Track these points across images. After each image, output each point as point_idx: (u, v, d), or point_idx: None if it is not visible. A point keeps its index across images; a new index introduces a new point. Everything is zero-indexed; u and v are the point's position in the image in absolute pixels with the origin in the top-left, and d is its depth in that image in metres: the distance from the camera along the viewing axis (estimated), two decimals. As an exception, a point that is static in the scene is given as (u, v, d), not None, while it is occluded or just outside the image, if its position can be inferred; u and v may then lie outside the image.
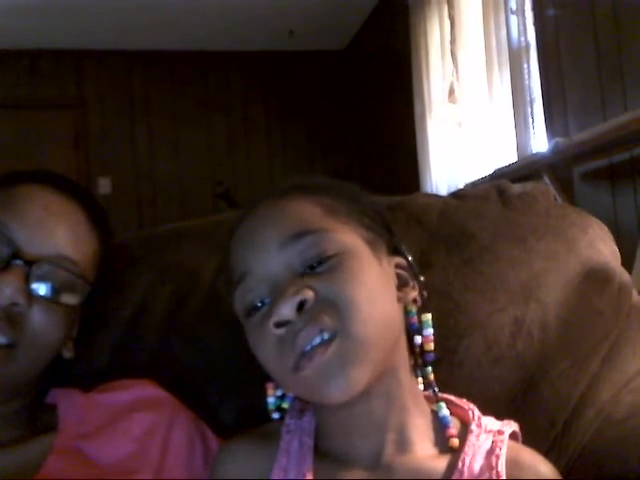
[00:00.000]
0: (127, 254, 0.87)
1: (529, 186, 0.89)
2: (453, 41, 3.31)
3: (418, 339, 0.63)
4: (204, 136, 5.18)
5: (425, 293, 0.64)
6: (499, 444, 0.57)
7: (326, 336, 0.54)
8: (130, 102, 5.13)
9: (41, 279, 0.65)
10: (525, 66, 2.69)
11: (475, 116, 3.06)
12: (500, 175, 2.59)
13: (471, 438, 0.58)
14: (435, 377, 0.63)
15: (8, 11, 4.23)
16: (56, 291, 0.66)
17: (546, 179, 2.44)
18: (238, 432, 0.65)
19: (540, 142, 2.65)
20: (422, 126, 3.65)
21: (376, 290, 0.57)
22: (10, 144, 4.69)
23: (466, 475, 0.55)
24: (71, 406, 0.71)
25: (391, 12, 4.34)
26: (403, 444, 0.58)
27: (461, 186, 3.16)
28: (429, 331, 0.63)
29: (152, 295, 0.84)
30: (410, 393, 0.60)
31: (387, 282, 0.60)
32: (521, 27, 2.70)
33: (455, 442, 0.58)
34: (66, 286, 0.67)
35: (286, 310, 0.54)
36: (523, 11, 2.69)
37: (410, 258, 0.64)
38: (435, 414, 0.62)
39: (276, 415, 0.64)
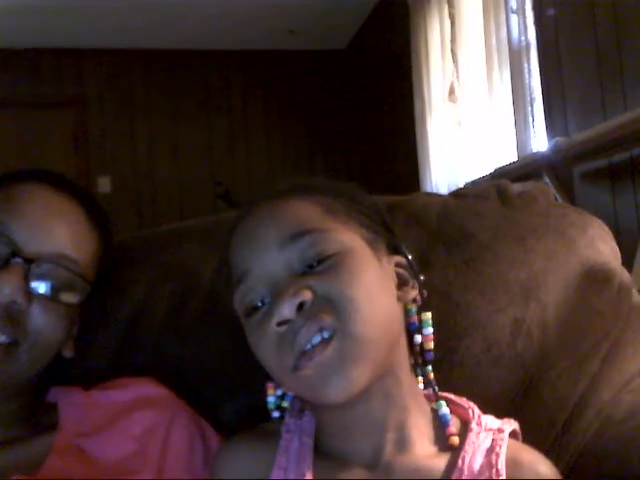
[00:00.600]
0: (127, 254, 0.87)
1: (529, 185, 0.89)
2: (453, 40, 3.31)
3: (418, 338, 0.63)
4: (204, 135, 5.18)
5: (425, 292, 0.64)
6: (499, 442, 0.57)
7: (326, 335, 0.54)
8: (130, 101, 5.13)
9: (40, 278, 0.65)
10: (525, 65, 2.69)
11: (475, 115, 3.06)
12: (500, 174, 2.59)
13: (471, 436, 0.58)
14: (435, 377, 0.63)
15: (8, 10, 4.23)
16: (56, 290, 0.66)
17: (546, 178, 2.43)
18: (238, 432, 0.65)
19: (540, 141, 2.65)
20: (422, 125, 3.64)
21: (376, 289, 0.57)
22: (10, 142, 4.68)
23: (466, 473, 0.55)
24: (71, 405, 0.71)
25: (391, 11, 4.33)
26: (403, 443, 0.58)
27: (461, 185, 3.15)
28: (429, 330, 0.63)
29: (152, 295, 0.83)
30: (410, 392, 0.60)
31: (387, 281, 0.60)
32: (521, 26, 2.70)
33: (455, 440, 0.58)
34: (66, 285, 0.67)
35: (286, 310, 0.54)
36: (523, 10, 2.69)
37: (410, 257, 0.64)
38: (435, 413, 0.61)
39: (276, 414, 0.64)
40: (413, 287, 0.63)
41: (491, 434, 0.58)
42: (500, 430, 0.59)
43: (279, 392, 0.64)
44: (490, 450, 0.57)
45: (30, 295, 0.64)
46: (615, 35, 2.23)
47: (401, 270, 0.63)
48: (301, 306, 0.55)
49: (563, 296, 0.77)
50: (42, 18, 4.42)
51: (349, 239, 0.59)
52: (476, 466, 0.56)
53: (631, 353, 0.78)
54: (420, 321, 0.63)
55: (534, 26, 2.68)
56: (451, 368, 0.73)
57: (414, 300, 0.63)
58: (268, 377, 0.61)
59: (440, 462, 0.57)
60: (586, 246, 0.82)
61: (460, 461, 0.56)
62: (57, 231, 0.67)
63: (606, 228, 0.88)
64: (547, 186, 2.24)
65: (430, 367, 0.63)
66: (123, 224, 4.25)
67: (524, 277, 0.78)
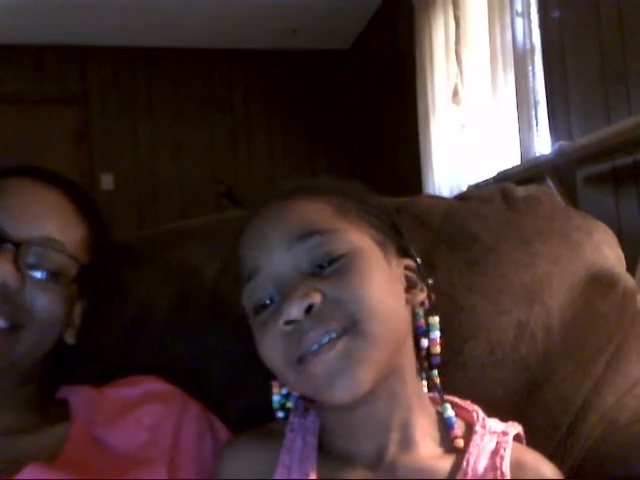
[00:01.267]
0: (129, 254, 0.87)
1: (533, 189, 0.89)
2: (458, 42, 3.31)
3: (425, 342, 0.63)
4: (206, 134, 5.18)
5: (433, 296, 0.64)
6: (503, 445, 0.57)
7: (334, 335, 0.54)
8: (133, 99, 5.13)
9: (31, 260, 0.67)
10: (530, 68, 2.69)
11: (479, 118, 3.06)
12: (503, 177, 2.59)
13: (475, 439, 0.58)
14: (439, 379, 0.63)
15: (12, 7, 4.23)
16: (47, 270, 0.67)
17: (549, 182, 2.43)
18: (241, 431, 0.65)
19: (544, 145, 2.64)
20: (425, 127, 3.64)
21: (385, 292, 0.57)
22: (13, 139, 4.68)
23: (470, 475, 0.55)
24: (83, 398, 0.72)
25: (396, 12, 4.33)
26: (407, 443, 0.58)
27: (464, 188, 3.15)
28: (436, 334, 0.63)
29: (154, 295, 0.83)
30: (415, 394, 0.60)
31: (395, 284, 0.60)
32: (526, 29, 2.70)
33: (460, 443, 0.58)
34: (57, 265, 0.68)
35: (294, 311, 0.54)
36: (528, 13, 2.69)
37: (419, 260, 0.64)
38: (439, 415, 0.62)
39: (280, 414, 0.64)
40: (421, 290, 0.63)
41: (495, 437, 0.58)
42: (504, 433, 0.59)
43: (284, 391, 0.64)
44: (494, 452, 0.57)
45: (23, 277, 0.66)
46: (620, 39, 2.23)
47: (409, 273, 0.63)
48: (309, 308, 0.55)
49: (567, 300, 0.77)
50: (45, 15, 4.42)
51: (359, 239, 0.58)
52: (480, 468, 0.56)
53: (635, 358, 0.78)
54: (427, 325, 0.63)
55: (539, 29, 2.67)
56: (455, 370, 0.73)
57: (422, 303, 0.63)
58: (272, 376, 0.61)
59: (444, 463, 0.57)
60: (591, 250, 0.82)
61: (464, 463, 0.56)
62: (43, 217, 0.69)
63: (611, 233, 0.88)
64: (551, 189, 2.23)
65: (436, 371, 0.63)
66: (125, 222, 4.25)
67: (528, 280, 0.78)
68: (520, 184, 0.94)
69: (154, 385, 0.74)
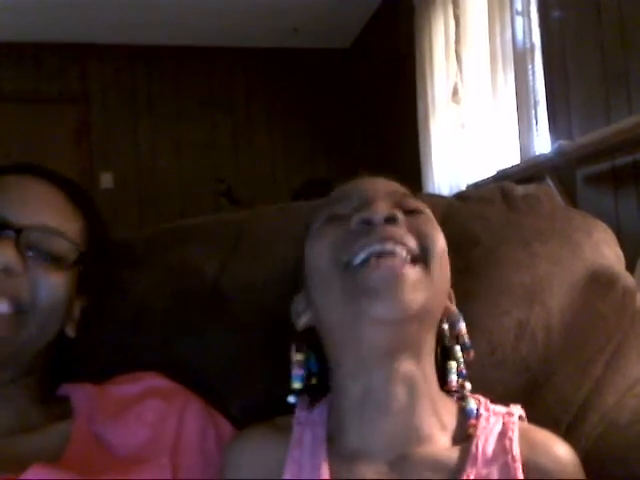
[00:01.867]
0: (130, 253, 0.87)
1: (533, 188, 0.89)
2: (458, 41, 3.30)
3: (462, 326, 0.65)
4: (206, 133, 5.18)
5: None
6: (511, 426, 0.58)
7: (404, 252, 0.57)
8: (133, 98, 5.12)
9: (32, 245, 0.68)
10: (530, 68, 2.69)
11: (478, 117, 3.06)
12: (503, 177, 2.59)
13: (481, 422, 0.59)
14: (438, 376, 0.64)
15: (11, 4, 4.22)
16: (47, 255, 0.69)
17: (549, 181, 2.43)
18: (245, 426, 0.64)
19: (543, 144, 2.64)
20: (425, 126, 3.64)
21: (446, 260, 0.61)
22: (13, 138, 4.68)
23: (480, 460, 0.55)
24: (84, 395, 0.72)
25: (396, 11, 4.33)
26: (420, 435, 0.58)
27: (463, 187, 3.15)
28: (462, 325, 0.65)
29: (155, 294, 0.83)
30: (431, 384, 0.61)
31: None
32: (526, 28, 2.70)
33: (472, 430, 0.59)
34: (57, 250, 0.70)
35: (378, 215, 0.58)
36: (528, 12, 2.69)
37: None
38: (452, 405, 0.62)
39: (292, 399, 0.63)
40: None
41: (501, 418, 0.59)
42: (509, 414, 0.60)
43: (300, 372, 0.63)
44: (502, 435, 0.57)
45: (25, 262, 0.67)
46: (620, 38, 2.23)
47: None
48: (391, 220, 0.58)
49: (568, 300, 0.77)
50: (45, 13, 4.42)
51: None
52: (489, 451, 0.56)
53: (635, 357, 0.78)
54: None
55: (539, 28, 2.67)
56: (455, 370, 0.73)
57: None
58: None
59: (455, 452, 0.57)
60: (591, 250, 0.82)
61: (474, 448, 0.56)
62: (44, 209, 0.71)
63: (610, 232, 0.88)
64: (551, 189, 2.23)
65: (454, 363, 0.65)
66: (125, 220, 4.24)
67: (528, 281, 0.78)
68: (520, 183, 0.94)
69: (155, 381, 0.74)
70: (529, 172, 2.54)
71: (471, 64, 3.15)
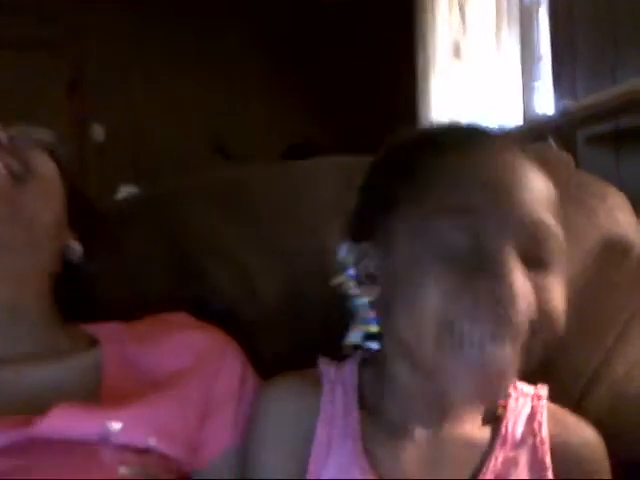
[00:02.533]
0: (124, 213, 0.84)
1: (549, 154, 0.86)
2: (461, -6, 3.22)
3: None
4: (200, 85, 5.08)
5: None
6: (540, 410, 0.57)
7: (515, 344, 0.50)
8: (125, 49, 5.00)
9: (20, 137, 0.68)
10: (535, 24, 2.62)
11: (481, 74, 3.00)
12: (504, 136, 2.55)
13: (511, 402, 0.58)
14: None
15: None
16: (45, 144, 0.70)
17: (551, 141, 2.40)
18: (276, 374, 0.62)
19: (547, 103, 2.60)
20: (425, 83, 3.58)
21: None
22: (3, 86, 4.57)
23: (509, 442, 0.55)
24: (110, 327, 0.69)
25: (397, -38, 4.20)
26: (454, 413, 0.57)
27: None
28: None
29: (152, 256, 0.81)
30: None
31: None
32: (533, -18, 2.62)
33: (501, 410, 0.58)
34: (45, 142, 0.71)
35: (515, 296, 0.48)
36: (536, -34, 2.61)
37: None
38: None
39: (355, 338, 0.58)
40: None
41: (529, 400, 0.58)
42: (538, 396, 0.59)
43: (356, 335, 0.58)
44: (531, 417, 0.57)
45: (12, 141, 0.66)
46: (631, -5, 2.17)
47: None
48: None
49: (581, 268, 0.75)
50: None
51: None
52: (518, 433, 0.56)
53: (646, 328, 0.76)
54: None
55: (546, -18, 2.60)
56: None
57: None
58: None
59: (486, 432, 0.57)
60: (605, 217, 0.80)
61: (503, 429, 0.56)
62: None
63: (624, 197, 0.86)
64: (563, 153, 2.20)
65: None
66: (117, 175, 4.19)
67: (542, 248, 0.76)
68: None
69: (190, 319, 0.70)
70: (532, 132, 2.50)
71: (475, 19, 3.07)
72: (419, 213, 0.52)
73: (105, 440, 0.55)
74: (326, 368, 0.59)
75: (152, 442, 0.57)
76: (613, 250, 0.78)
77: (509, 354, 0.49)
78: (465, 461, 0.55)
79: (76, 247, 0.70)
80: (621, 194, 0.86)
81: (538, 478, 0.54)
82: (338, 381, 0.58)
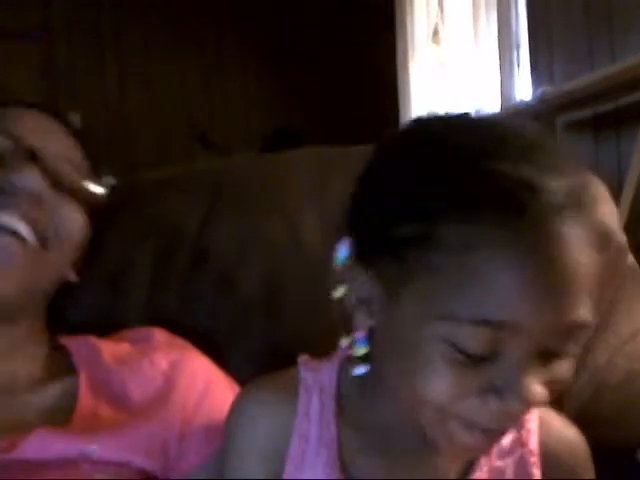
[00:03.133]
0: (106, 207, 0.82)
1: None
2: (439, -20, 3.20)
3: None
4: (177, 72, 5.01)
5: None
6: (529, 417, 0.54)
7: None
8: (98, 34, 4.91)
9: (53, 174, 0.64)
10: (513, 10, 2.62)
11: (459, 60, 3.00)
12: (483, 122, 2.55)
13: None
14: None
15: None
16: (71, 183, 0.66)
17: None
18: (253, 380, 0.59)
19: (525, 89, 2.61)
20: (404, 67, 3.57)
21: None
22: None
23: (495, 451, 0.53)
24: (85, 344, 0.69)
25: (374, -54, 4.17)
26: None
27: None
28: None
29: (135, 250, 0.80)
30: None
31: None
32: (510, -32, 2.62)
33: None
34: (77, 185, 0.67)
35: (524, 398, 0.44)
36: (513, -49, 2.60)
37: None
38: None
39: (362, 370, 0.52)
40: None
41: None
42: None
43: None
44: (520, 426, 0.54)
45: (49, 190, 0.63)
46: (606, -20, 2.18)
47: None
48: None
49: (561, 258, 0.76)
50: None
51: None
52: (505, 442, 0.53)
53: (626, 315, 0.77)
54: None
55: (523, -32, 2.60)
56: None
57: None
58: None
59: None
60: (585, 205, 0.80)
61: None
62: (59, 138, 0.69)
63: (604, 186, 0.86)
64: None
65: None
66: (94, 163, 4.13)
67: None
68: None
69: (163, 334, 0.71)
70: (509, 118, 2.50)
71: (452, 3, 3.06)
72: (433, 295, 0.44)
73: (83, 457, 0.57)
74: (304, 372, 0.55)
75: (128, 458, 0.59)
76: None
77: (499, 438, 0.49)
78: (449, 471, 0.53)
79: (73, 276, 0.70)
80: (600, 181, 0.86)
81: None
82: (315, 388, 0.54)
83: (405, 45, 3.53)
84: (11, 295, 0.61)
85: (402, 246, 0.45)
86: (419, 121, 0.52)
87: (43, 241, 0.62)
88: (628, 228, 1.82)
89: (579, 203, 0.46)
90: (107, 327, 0.75)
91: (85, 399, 0.63)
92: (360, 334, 0.50)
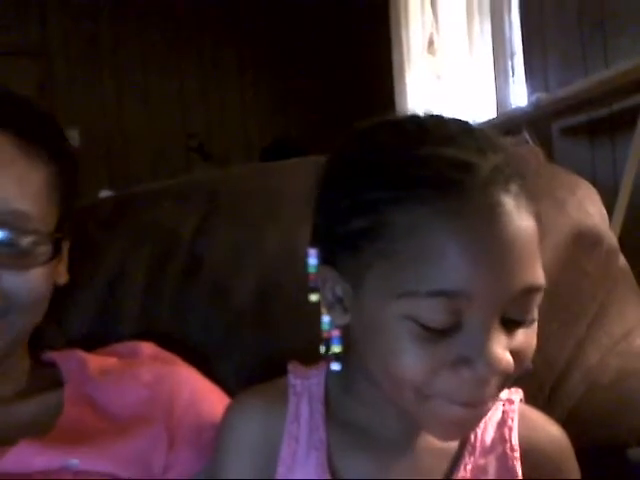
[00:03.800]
0: (101, 216, 0.83)
1: (518, 146, 0.87)
2: (433, -10, 3.23)
3: None
4: (175, 85, 5.03)
5: None
6: (510, 415, 0.56)
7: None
8: (96, 49, 4.93)
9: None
10: (506, 18, 2.64)
11: (455, 69, 3.02)
12: (479, 129, 2.56)
13: None
14: None
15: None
16: (20, 249, 0.60)
17: (525, 134, 2.42)
18: (242, 390, 0.60)
19: (520, 96, 2.62)
20: (400, 77, 3.59)
21: None
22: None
23: (478, 449, 0.54)
24: (73, 360, 0.69)
25: (370, -42, 4.20)
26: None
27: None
28: None
29: (130, 259, 0.80)
30: None
31: None
32: (503, -23, 2.64)
33: None
34: (26, 244, 0.60)
35: (495, 379, 0.47)
36: (506, -40, 2.63)
37: None
38: None
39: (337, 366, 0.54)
40: None
41: (500, 405, 0.56)
42: (510, 401, 0.57)
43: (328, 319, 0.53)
44: (502, 423, 0.55)
45: None
46: (598, -13, 2.20)
47: None
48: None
49: (553, 258, 0.76)
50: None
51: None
52: (488, 440, 0.54)
53: (617, 316, 0.78)
54: None
55: (516, -23, 2.62)
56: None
57: None
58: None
59: (455, 440, 0.55)
60: (575, 208, 0.81)
61: (472, 436, 0.55)
62: (4, 182, 0.59)
63: (594, 190, 0.87)
64: (530, 143, 2.22)
65: None
66: (94, 178, 4.14)
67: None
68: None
69: (150, 347, 0.71)
70: (506, 125, 2.52)
71: (447, 14, 3.08)
72: (391, 277, 0.47)
73: (65, 470, 0.57)
74: (294, 379, 0.57)
75: (111, 470, 0.59)
76: (583, 241, 0.79)
77: (481, 410, 0.49)
78: (434, 469, 0.54)
79: (62, 280, 0.68)
80: (590, 186, 0.86)
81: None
82: (305, 393, 0.56)
83: (401, 56, 3.55)
84: None
85: (356, 239, 0.49)
86: (352, 131, 0.57)
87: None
88: (624, 231, 1.83)
89: (509, 174, 0.49)
90: (100, 338, 0.75)
91: (69, 412, 0.63)
92: (335, 333, 0.53)
